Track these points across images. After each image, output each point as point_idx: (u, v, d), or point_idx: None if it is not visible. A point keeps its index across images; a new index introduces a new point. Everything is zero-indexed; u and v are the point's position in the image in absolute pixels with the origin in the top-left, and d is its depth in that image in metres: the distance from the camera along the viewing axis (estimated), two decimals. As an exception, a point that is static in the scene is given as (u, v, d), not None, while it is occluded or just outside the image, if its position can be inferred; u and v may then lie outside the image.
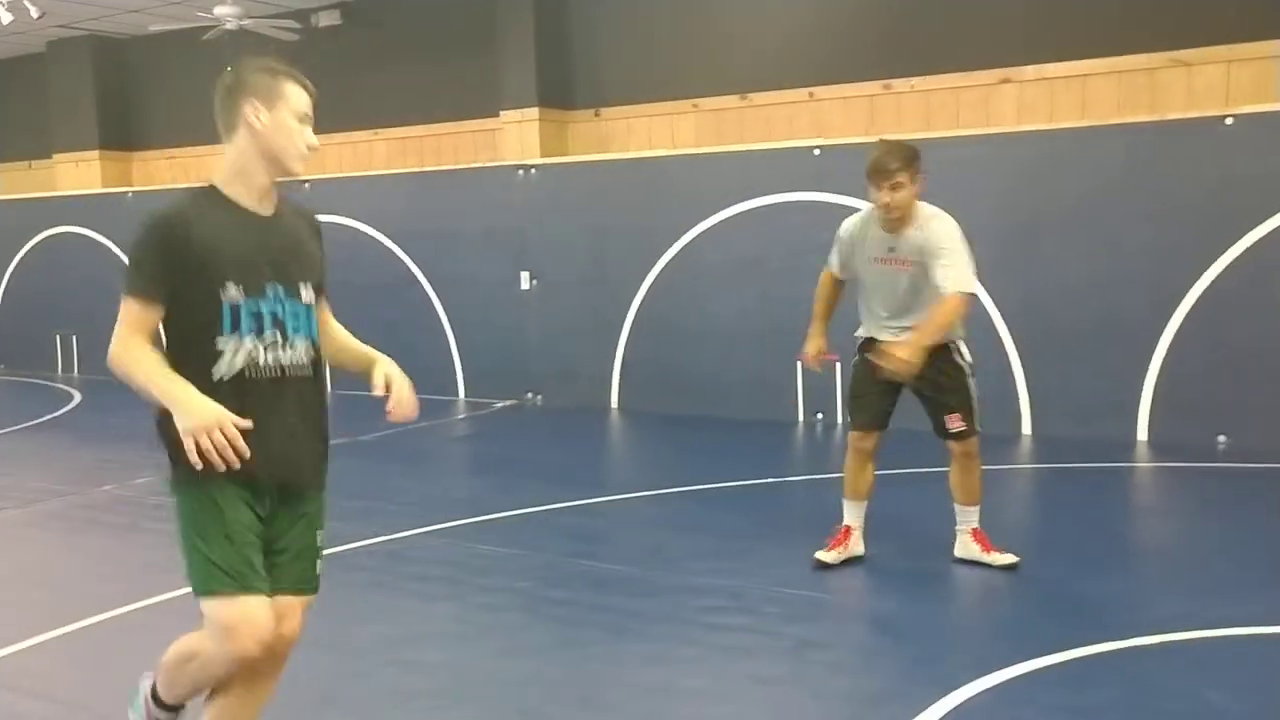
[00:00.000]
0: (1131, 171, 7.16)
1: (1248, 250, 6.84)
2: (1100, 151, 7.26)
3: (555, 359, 9.39)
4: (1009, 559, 4.56)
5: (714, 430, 8.03)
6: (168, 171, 14.06)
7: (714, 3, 10.17)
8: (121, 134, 14.13)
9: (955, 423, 4.50)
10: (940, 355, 4.36)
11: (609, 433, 8.50)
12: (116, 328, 2.47)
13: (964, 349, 4.53)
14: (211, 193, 2.57)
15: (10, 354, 12.90)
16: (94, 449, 7.99)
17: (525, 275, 9.35)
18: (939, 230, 4.33)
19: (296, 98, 2.57)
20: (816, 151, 8.11)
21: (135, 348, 2.45)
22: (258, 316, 2.51)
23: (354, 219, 10.23)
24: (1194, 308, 6.99)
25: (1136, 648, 3.75)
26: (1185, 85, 8.36)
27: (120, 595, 4.54)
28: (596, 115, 11.07)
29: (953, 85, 9.28)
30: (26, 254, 12.55)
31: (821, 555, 4.58)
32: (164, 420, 2.44)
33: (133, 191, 12.15)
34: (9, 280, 12.74)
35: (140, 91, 14.09)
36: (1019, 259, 7.47)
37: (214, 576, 2.45)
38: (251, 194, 2.57)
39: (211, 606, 2.47)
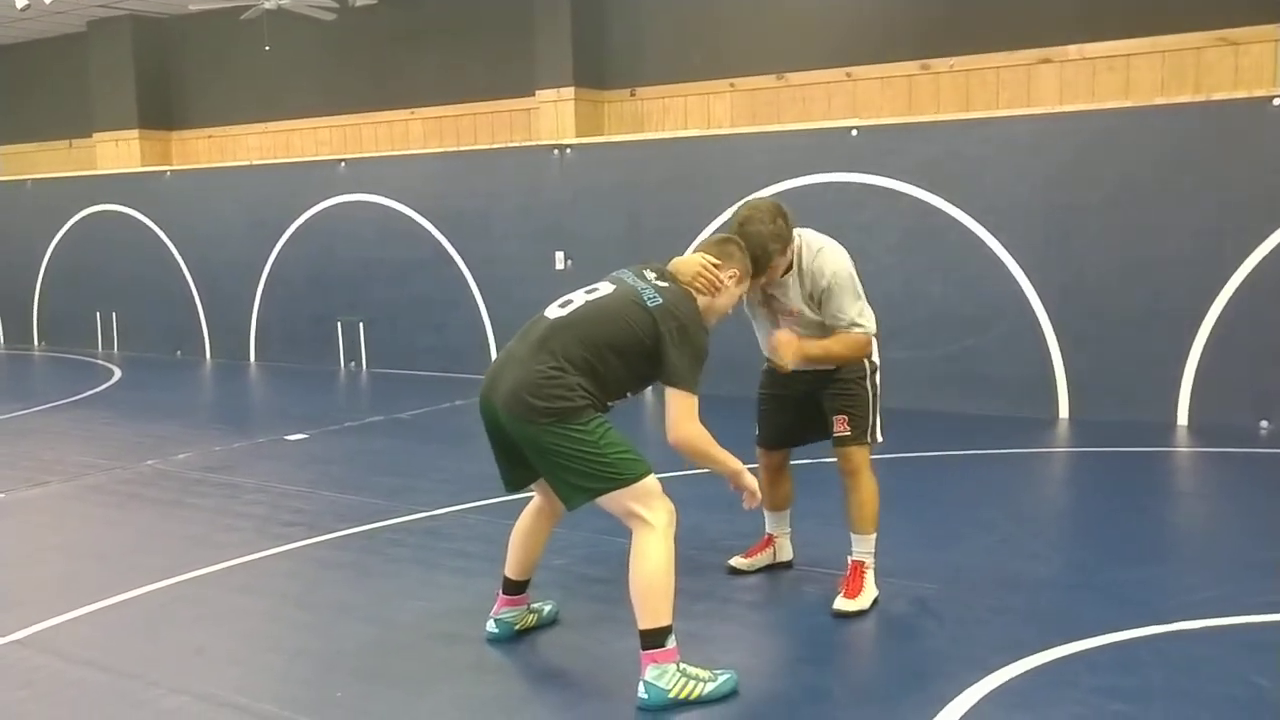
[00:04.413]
0: (1175, 153, 7.06)
1: (1294, 233, 6.74)
2: (1143, 133, 7.16)
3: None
4: (853, 605, 3.95)
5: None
6: (206, 151, 14.19)
7: (751, -18, 10.13)
8: (161, 113, 14.26)
9: (841, 426, 4.01)
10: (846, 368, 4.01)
11: (644, 413, 8.52)
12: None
13: (873, 353, 4.05)
14: None
15: (52, 330, 13.10)
16: (135, 424, 8.10)
17: (560, 255, 9.36)
18: (823, 265, 3.85)
19: None
20: (854, 132, 8.05)
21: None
22: None
23: (389, 198, 10.29)
24: (1238, 291, 6.90)
25: (1179, 632, 3.73)
26: (1232, 65, 8.24)
27: (166, 568, 4.62)
28: (632, 95, 11.05)
29: (992, 65, 9.19)
30: (67, 232, 12.71)
31: (735, 561, 4.39)
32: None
33: (171, 170, 12.27)
34: (50, 258, 12.91)
35: (180, 71, 14.21)
36: (1059, 241, 7.40)
37: (640, 463, 3.26)
38: None
39: (645, 484, 3.23)
